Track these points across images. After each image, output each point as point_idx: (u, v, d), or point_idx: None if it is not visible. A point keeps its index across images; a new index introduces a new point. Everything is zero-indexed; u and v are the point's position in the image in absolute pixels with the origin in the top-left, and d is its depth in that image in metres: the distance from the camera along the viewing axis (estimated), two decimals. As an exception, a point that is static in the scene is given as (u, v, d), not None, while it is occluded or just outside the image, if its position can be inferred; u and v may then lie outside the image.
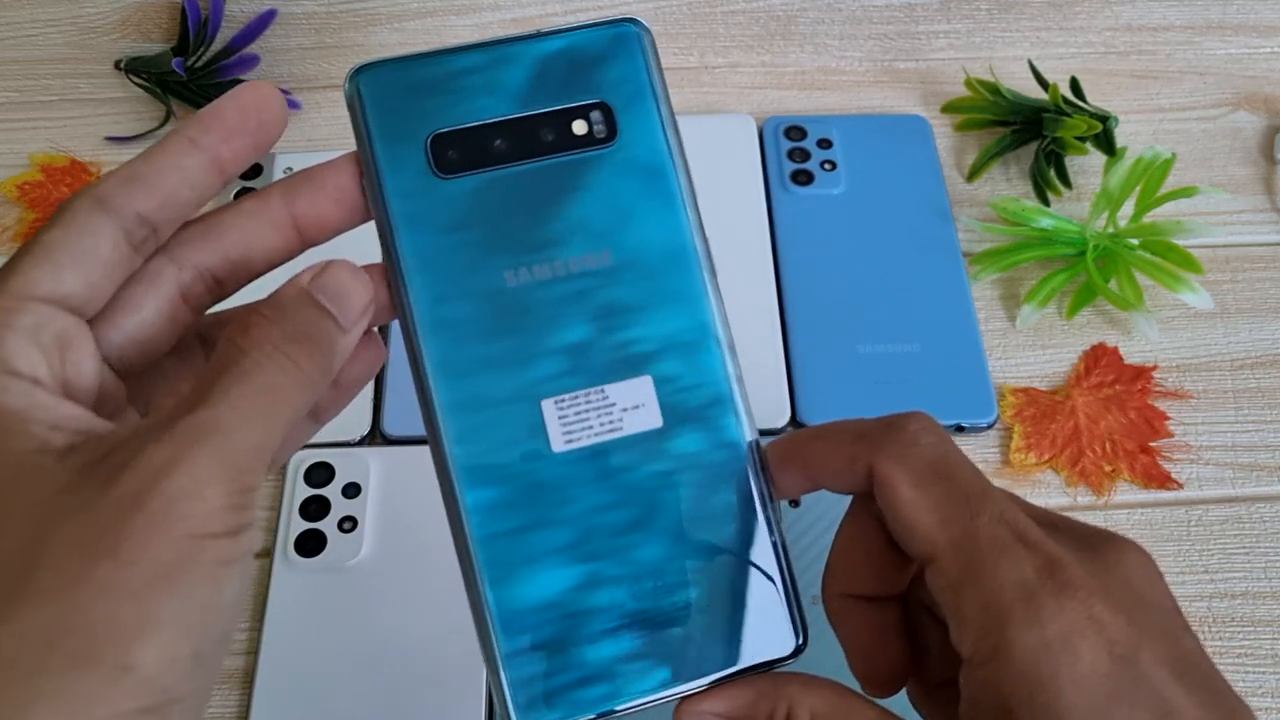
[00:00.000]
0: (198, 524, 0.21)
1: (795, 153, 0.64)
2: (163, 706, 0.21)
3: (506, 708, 0.27)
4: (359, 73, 0.28)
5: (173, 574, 0.21)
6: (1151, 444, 0.55)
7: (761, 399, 0.54)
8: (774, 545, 0.30)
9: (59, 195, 0.63)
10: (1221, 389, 0.57)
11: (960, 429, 0.55)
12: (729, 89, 0.69)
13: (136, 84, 0.67)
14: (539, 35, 0.29)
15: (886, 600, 0.29)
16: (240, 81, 0.66)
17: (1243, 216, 0.64)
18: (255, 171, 0.63)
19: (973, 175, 0.65)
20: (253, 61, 0.67)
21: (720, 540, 0.29)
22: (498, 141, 0.29)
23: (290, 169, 0.63)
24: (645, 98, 0.30)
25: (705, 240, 0.31)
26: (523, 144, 0.29)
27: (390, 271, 0.28)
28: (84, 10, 0.68)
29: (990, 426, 0.55)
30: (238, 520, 0.22)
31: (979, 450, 0.55)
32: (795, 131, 0.65)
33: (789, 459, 0.29)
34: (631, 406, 0.29)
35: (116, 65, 0.68)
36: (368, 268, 0.28)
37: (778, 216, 0.61)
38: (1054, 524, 0.27)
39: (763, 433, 0.54)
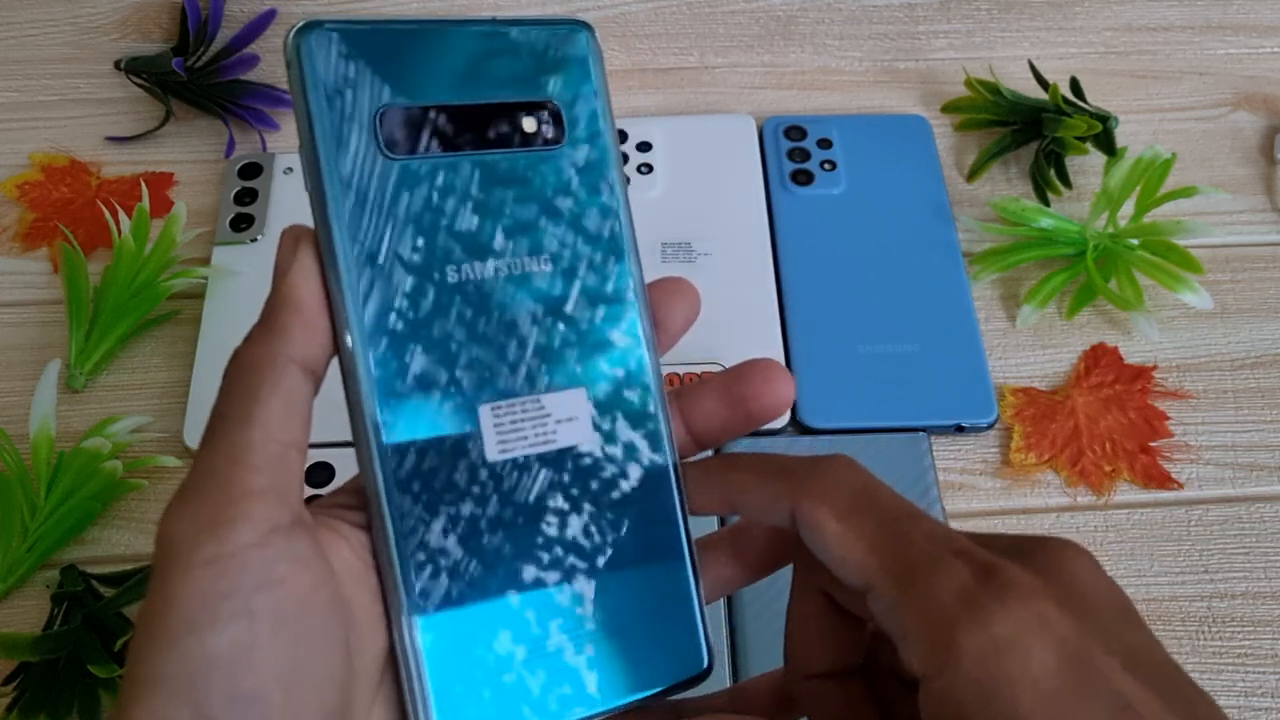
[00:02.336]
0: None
1: (795, 153, 0.64)
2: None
3: None
4: (307, 31, 0.26)
5: None
6: (1151, 444, 0.55)
7: (761, 399, 0.54)
8: (690, 569, 0.30)
9: (59, 195, 0.63)
10: (1221, 389, 0.57)
11: (960, 429, 0.55)
12: (729, 89, 0.69)
13: (136, 84, 0.67)
14: (495, 22, 0.28)
15: (847, 674, 0.29)
16: (240, 82, 0.66)
17: (1243, 216, 0.64)
18: (255, 171, 0.63)
19: (973, 175, 0.65)
20: (253, 61, 0.67)
21: (641, 564, 0.29)
22: (449, 127, 0.28)
23: (290, 169, 0.63)
24: (594, 103, 0.30)
25: (637, 249, 0.30)
26: (474, 133, 0.28)
27: (324, 246, 0.27)
28: (84, 10, 0.68)
29: (990, 426, 0.55)
30: None
31: (979, 450, 0.55)
32: (795, 131, 0.65)
33: (710, 483, 0.29)
34: (566, 419, 0.29)
35: (116, 65, 0.68)
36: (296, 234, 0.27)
37: (778, 216, 0.61)
38: (983, 541, 0.26)
39: (762, 433, 0.54)
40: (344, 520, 0.27)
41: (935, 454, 0.53)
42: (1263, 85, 0.70)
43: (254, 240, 0.60)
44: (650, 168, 0.63)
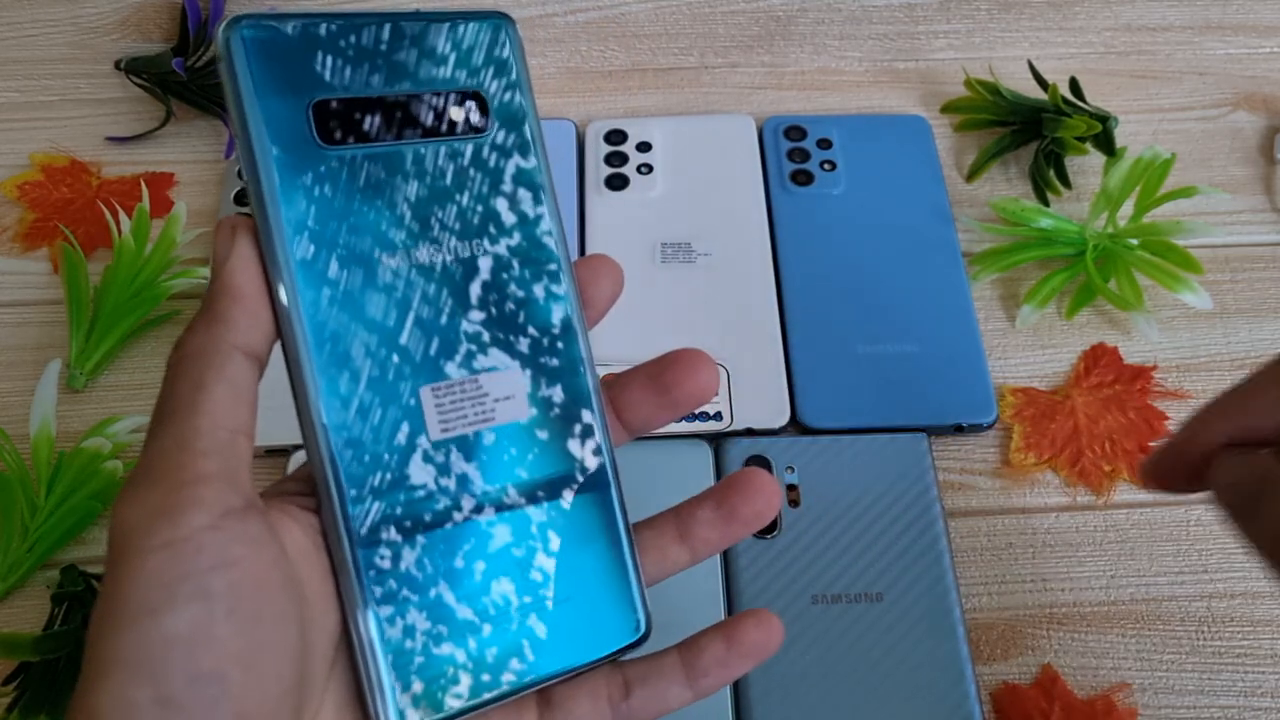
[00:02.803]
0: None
1: (795, 153, 0.64)
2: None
3: (384, 707, 0.27)
4: (235, 25, 0.27)
5: None
6: (1151, 444, 0.55)
7: (761, 399, 0.54)
8: (625, 538, 0.31)
9: (59, 195, 0.63)
10: (1221, 389, 0.57)
11: (960, 429, 0.55)
12: (729, 89, 0.69)
13: (136, 84, 0.67)
14: (420, 15, 0.30)
15: None
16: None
17: (1242, 216, 0.64)
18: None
19: (973, 175, 0.65)
20: (253, 61, 0.66)
21: (578, 535, 0.31)
22: (381, 117, 0.29)
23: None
24: (517, 91, 0.31)
25: (564, 232, 0.32)
26: (403, 123, 0.29)
27: (262, 235, 0.28)
28: (84, 10, 0.68)
29: (990, 426, 0.55)
30: None
31: (978, 450, 0.55)
32: (795, 132, 0.65)
33: (1214, 418, 0.31)
34: (503, 397, 0.30)
35: (116, 65, 0.68)
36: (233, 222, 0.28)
37: (778, 217, 0.61)
38: None
39: (762, 433, 0.54)
40: (294, 504, 0.28)
41: (935, 454, 0.54)
42: (1263, 85, 0.70)
43: (254, 240, 0.60)
44: (650, 168, 0.63)
